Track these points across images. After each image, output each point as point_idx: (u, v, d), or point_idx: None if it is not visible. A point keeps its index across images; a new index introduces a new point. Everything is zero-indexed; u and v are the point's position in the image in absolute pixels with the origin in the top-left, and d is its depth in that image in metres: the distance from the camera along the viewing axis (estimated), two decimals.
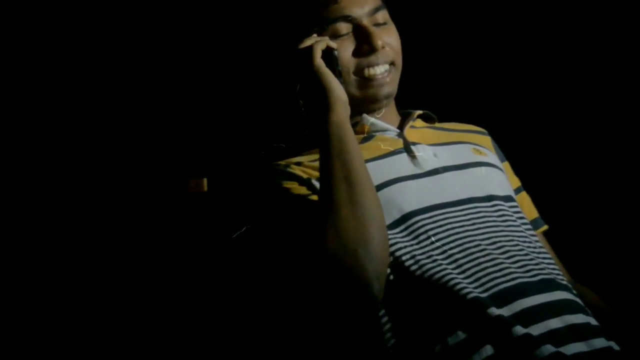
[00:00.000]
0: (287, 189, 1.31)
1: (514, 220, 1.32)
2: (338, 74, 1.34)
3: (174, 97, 1.96)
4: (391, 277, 1.22)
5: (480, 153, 1.43)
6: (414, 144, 1.40)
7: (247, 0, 1.95)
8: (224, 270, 1.87)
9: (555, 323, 1.16)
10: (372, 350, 1.24)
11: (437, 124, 1.54)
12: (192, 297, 1.88)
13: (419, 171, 1.34)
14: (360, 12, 1.40)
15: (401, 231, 1.26)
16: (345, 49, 1.39)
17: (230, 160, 1.89)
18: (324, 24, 1.39)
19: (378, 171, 1.30)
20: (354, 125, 1.34)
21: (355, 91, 1.40)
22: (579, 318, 1.19)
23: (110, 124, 1.94)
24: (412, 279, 1.22)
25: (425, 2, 1.96)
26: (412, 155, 1.37)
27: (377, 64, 1.40)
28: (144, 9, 1.95)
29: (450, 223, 1.27)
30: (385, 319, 1.22)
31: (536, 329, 1.15)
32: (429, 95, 1.85)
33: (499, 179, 1.40)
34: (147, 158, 1.94)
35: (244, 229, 1.37)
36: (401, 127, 1.46)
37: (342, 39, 1.39)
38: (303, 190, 1.31)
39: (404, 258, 1.24)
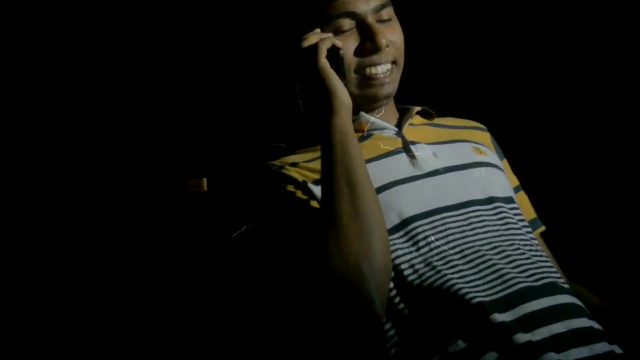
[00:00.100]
0: (283, 193, 1.28)
1: (515, 223, 1.30)
2: (343, 75, 1.29)
3: (174, 97, 1.95)
4: (391, 285, 1.20)
5: (481, 153, 1.41)
6: (414, 143, 1.37)
7: None
8: (223, 271, 1.87)
9: (558, 328, 1.15)
10: None
11: (436, 121, 1.50)
12: (192, 297, 1.88)
13: (418, 173, 1.32)
14: (366, 8, 1.35)
15: (401, 237, 1.24)
16: (348, 46, 1.34)
17: (230, 160, 1.89)
18: (328, 20, 1.34)
19: (377, 173, 1.27)
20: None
21: (355, 90, 1.35)
22: (582, 322, 1.18)
23: (110, 124, 1.94)
24: (412, 287, 1.20)
25: None
26: (411, 156, 1.35)
27: (380, 64, 1.36)
28: (143, 9, 1.95)
29: (450, 229, 1.25)
30: (386, 327, 1.20)
31: (539, 334, 1.14)
32: (427, 90, 1.82)
33: (500, 180, 1.39)
34: (147, 158, 1.94)
35: (243, 229, 1.36)
36: (400, 125, 1.43)
37: (345, 36, 1.34)
38: (299, 194, 1.28)
39: (403, 267, 1.22)
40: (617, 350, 1.18)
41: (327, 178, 1.22)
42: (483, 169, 1.37)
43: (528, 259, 1.24)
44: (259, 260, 1.34)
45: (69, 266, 1.89)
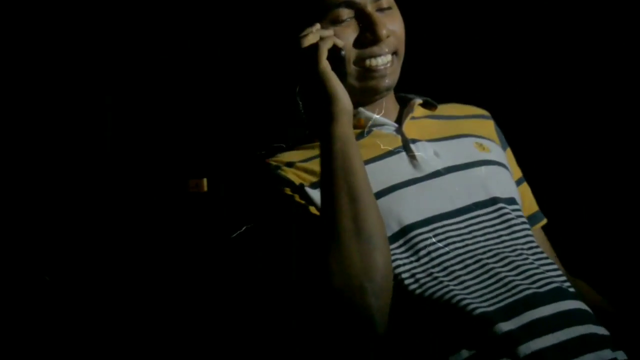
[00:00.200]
0: (279, 195, 1.25)
1: (518, 225, 1.27)
2: (343, 76, 1.22)
3: (174, 97, 1.95)
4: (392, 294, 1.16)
5: (484, 148, 1.37)
6: (414, 141, 1.33)
7: None
8: (223, 271, 1.87)
9: (563, 335, 1.13)
10: None
11: (438, 111, 1.44)
12: (191, 297, 1.88)
13: (418, 174, 1.28)
14: None
15: (400, 246, 1.21)
16: (346, 37, 1.28)
17: (230, 160, 1.89)
18: (325, 9, 1.28)
19: (376, 175, 1.23)
20: None
21: (354, 82, 1.30)
22: (587, 328, 1.15)
23: (110, 124, 1.94)
24: (414, 296, 1.17)
25: None
26: (411, 155, 1.31)
27: (380, 55, 1.29)
28: (143, 9, 1.95)
29: (451, 237, 1.22)
30: (387, 337, 1.16)
31: (544, 342, 1.11)
32: (429, 75, 1.79)
33: (503, 178, 1.35)
34: (147, 158, 1.94)
35: (243, 229, 1.36)
36: (400, 119, 1.38)
37: (343, 26, 1.28)
38: (296, 198, 1.24)
39: (404, 275, 1.19)
40: (622, 356, 1.17)
41: (327, 191, 1.17)
42: (485, 168, 1.33)
43: (531, 263, 1.21)
44: (258, 260, 1.33)
45: (68, 266, 1.89)
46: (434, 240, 1.21)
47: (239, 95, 1.96)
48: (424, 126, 1.38)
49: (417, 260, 1.20)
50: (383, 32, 1.28)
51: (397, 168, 1.29)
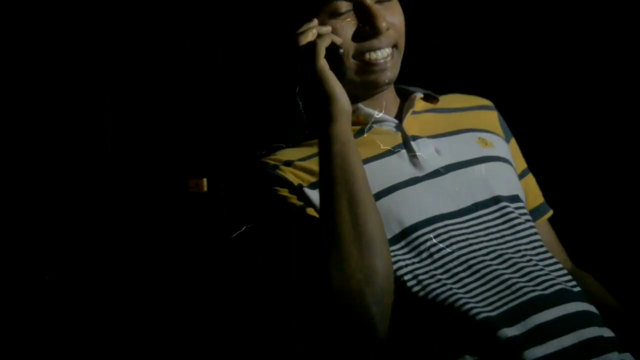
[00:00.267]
0: (277, 196, 1.22)
1: (521, 224, 1.25)
2: (342, 75, 1.20)
3: (174, 98, 1.95)
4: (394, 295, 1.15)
5: (486, 144, 1.34)
6: (414, 138, 1.30)
7: None
8: (223, 270, 1.87)
9: (569, 340, 1.11)
10: None
11: (439, 104, 1.40)
12: (191, 297, 1.88)
13: (419, 174, 1.25)
14: None
15: (402, 247, 1.19)
16: (345, 30, 1.24)
17: (230, 160, 1.89)
18: (323, 2, 1.24)
19: (376, 174, 1.21)
20: None
21: (354, 76, 1.26)
22: (592, 331, 1.13)
23: (110, 124, 1.94)
24: (417, 298, 1.15)
25: None
26: (411, 154, 1.28)
27: (380, 48, 1.26)
28: (143, 9, 1.95)
29: (453, 237, 1.20)
30: (389, 340, 1.14)
31: (549, 348, 1.09)
32: (431, 66, 1.78)
33: (506, 175, 1.32)
34: (147, 158, 1.94)
35: (242, 229, 1.35)
36: (400, 114, 1.35)
37: (342, 18, 1.25)
38: (294, 199, 1.21)
39: (405, 278, 1.17)
40: (629, 358, 1.15)
41: (326, 194, 1.15)
42: (488, 165, 1.30)
43: (535, 265, 1.19)
44: (257, 261, 1.32)
45: (68, 266, 1.89)
46: (435, 241, 1.19)
47: (239, 95, 1.96)
48: (425, 121, 1.35)
49: (419, 262, 1.18)
50: (383, 25, 1.25)
51: (397, 167, 1.26)
